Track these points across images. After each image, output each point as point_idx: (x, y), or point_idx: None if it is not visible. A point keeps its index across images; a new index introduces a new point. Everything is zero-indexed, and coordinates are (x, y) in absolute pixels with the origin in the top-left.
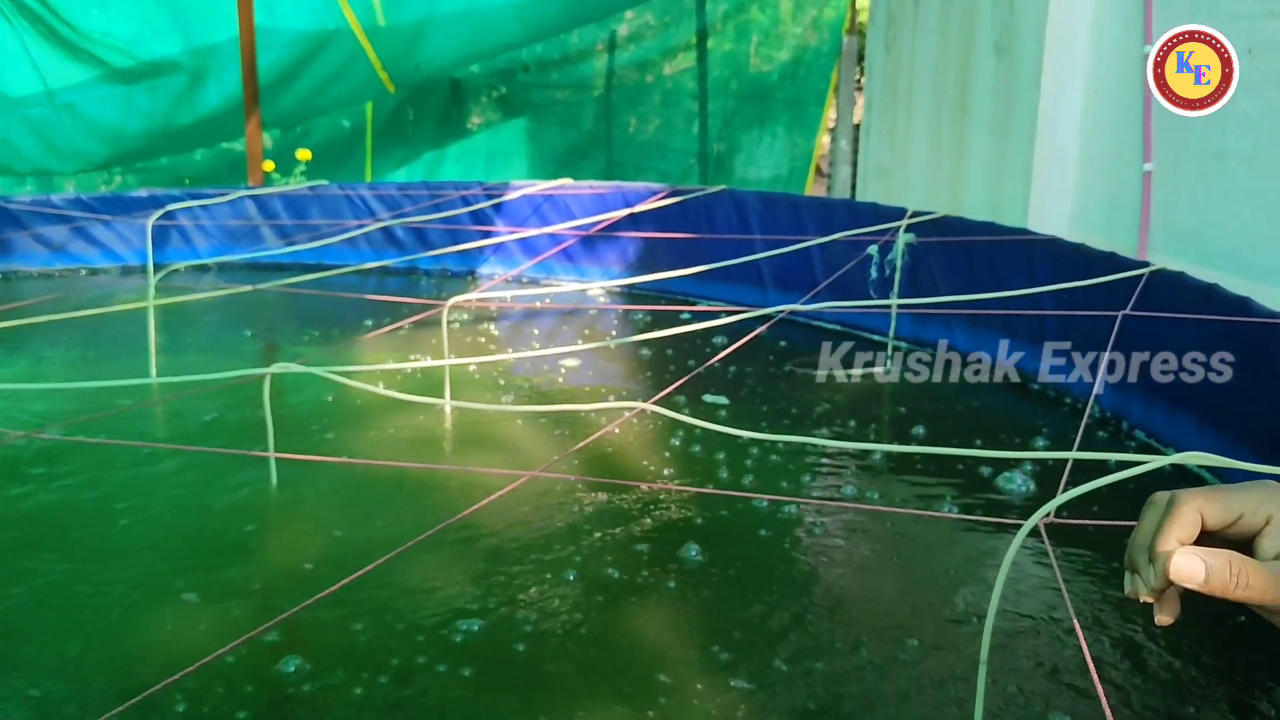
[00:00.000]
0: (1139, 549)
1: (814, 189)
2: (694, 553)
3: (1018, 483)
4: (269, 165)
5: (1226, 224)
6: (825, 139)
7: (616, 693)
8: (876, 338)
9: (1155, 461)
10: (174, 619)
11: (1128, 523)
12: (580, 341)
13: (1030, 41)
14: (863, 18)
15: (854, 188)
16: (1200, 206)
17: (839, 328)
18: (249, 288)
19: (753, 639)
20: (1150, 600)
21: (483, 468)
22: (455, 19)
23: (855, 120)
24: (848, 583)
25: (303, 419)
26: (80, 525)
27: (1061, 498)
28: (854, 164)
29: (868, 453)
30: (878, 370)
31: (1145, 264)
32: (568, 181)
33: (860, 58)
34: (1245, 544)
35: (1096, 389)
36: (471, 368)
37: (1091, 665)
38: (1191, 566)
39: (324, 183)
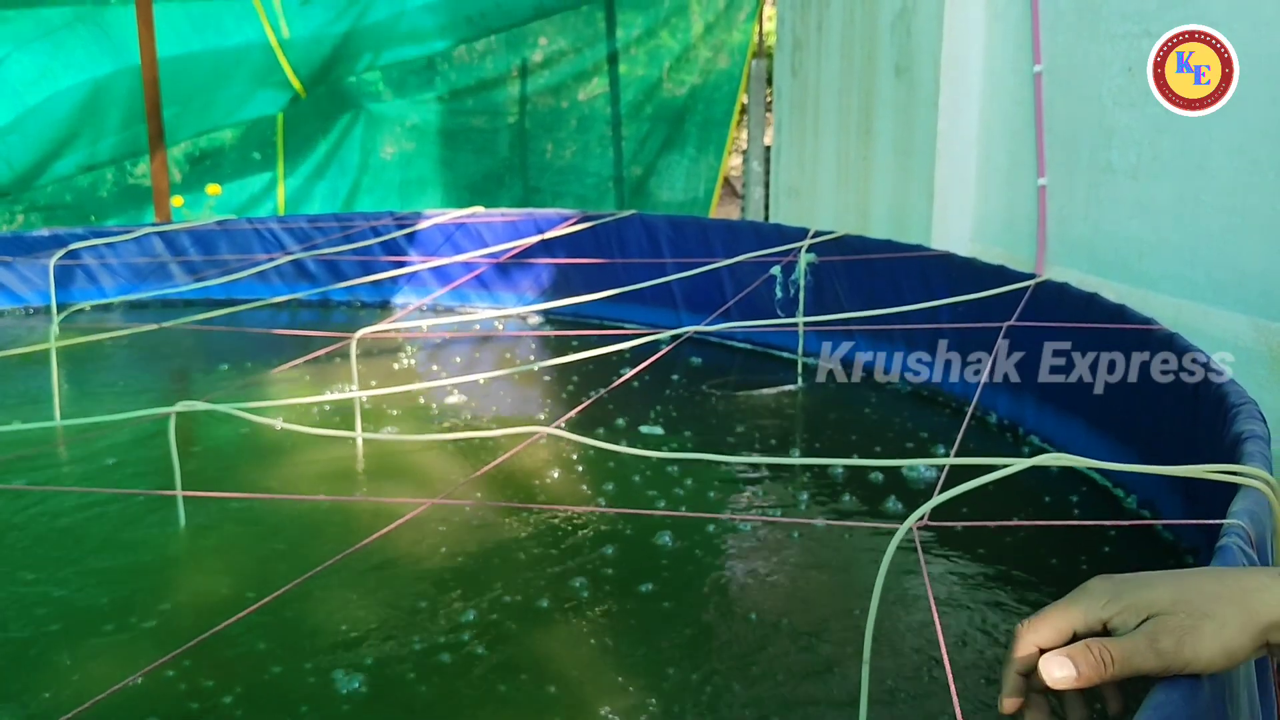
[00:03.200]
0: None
1: (727, 210)
2: (607, 574)
3: (920, 471)
4: (178, 201)
5: (1115, 234)
6: (735, 160)
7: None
8: (786, 355)
9: (1018, 464)
10: (75, 664)
11: (998, 522)
12: (495, 369)
13: (927, 63)
14: (770, 40)
15: (767, 208)
16: (1091, 218)
17: (750, 346)
18: (155, 326)
19: (667, 657)
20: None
21: (388, 498)
22: (360, 33)
23: (766, 142)
24: (764, 594)
25: (212, 457)
26: None
27: (929, 504)
28: (766, 184)
29: (785, 468)
30: (789, 387)
31: (1032, 276)
32: (479, 210)
33: (769, 80)
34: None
35: (987, 397)
36: (363, 399)
37: (947, 663)
38: (1063, 668)
39: (232, 217)
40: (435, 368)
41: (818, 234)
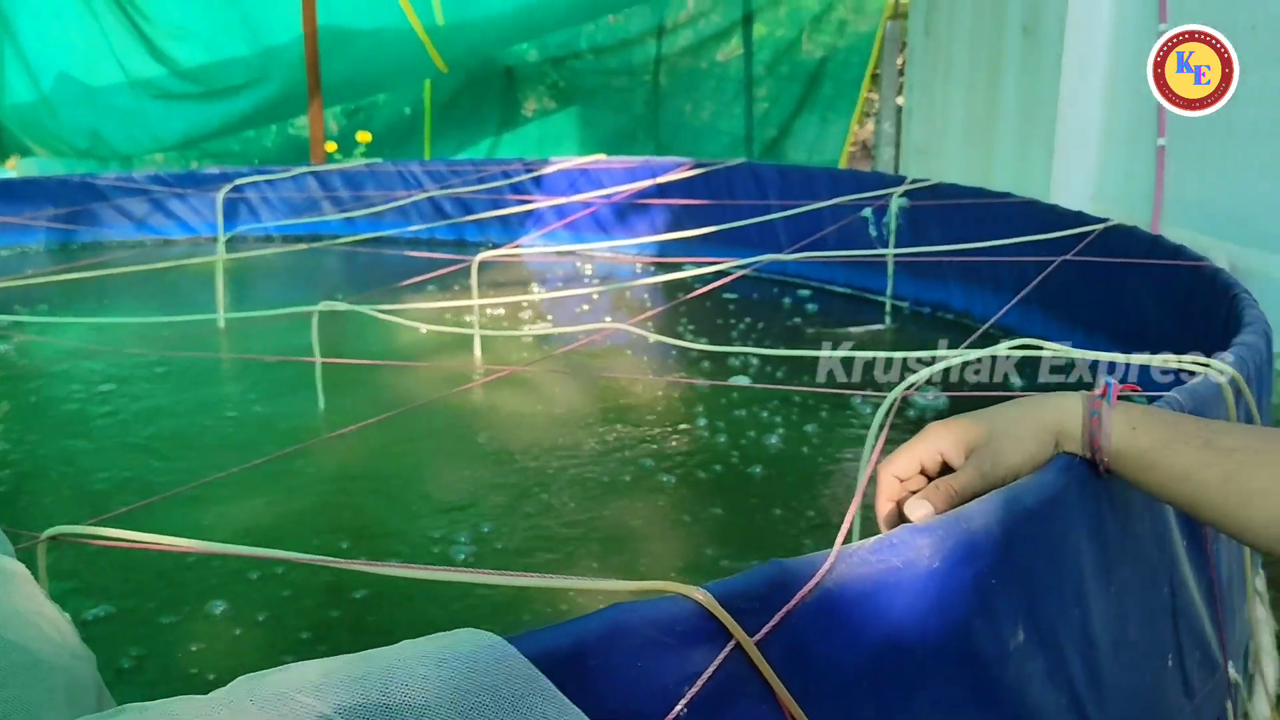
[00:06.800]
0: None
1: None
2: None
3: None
4: (331, 146)
5: (1234, 195)
6: (865, 121)
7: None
8: (878, 298)
9: (1000, 349)
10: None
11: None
12: (599, 299)
13: (1054, 21)
14: (905, 1)
15: (896, 168)
16: (1210, 179)
17: (849, 291)
18: (305, 246)
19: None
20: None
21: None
22: (509, 15)
23: (897, 102)
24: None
25: (346, 352)
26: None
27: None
28: (897, 145)
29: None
30: (875, 326)
31: (1105, 220)
32: (602, 157)
33: (904, 42)
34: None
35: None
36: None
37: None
38: (923, 507)
39: (379, 160)
40: (542, 291)
41: (914, 181)
